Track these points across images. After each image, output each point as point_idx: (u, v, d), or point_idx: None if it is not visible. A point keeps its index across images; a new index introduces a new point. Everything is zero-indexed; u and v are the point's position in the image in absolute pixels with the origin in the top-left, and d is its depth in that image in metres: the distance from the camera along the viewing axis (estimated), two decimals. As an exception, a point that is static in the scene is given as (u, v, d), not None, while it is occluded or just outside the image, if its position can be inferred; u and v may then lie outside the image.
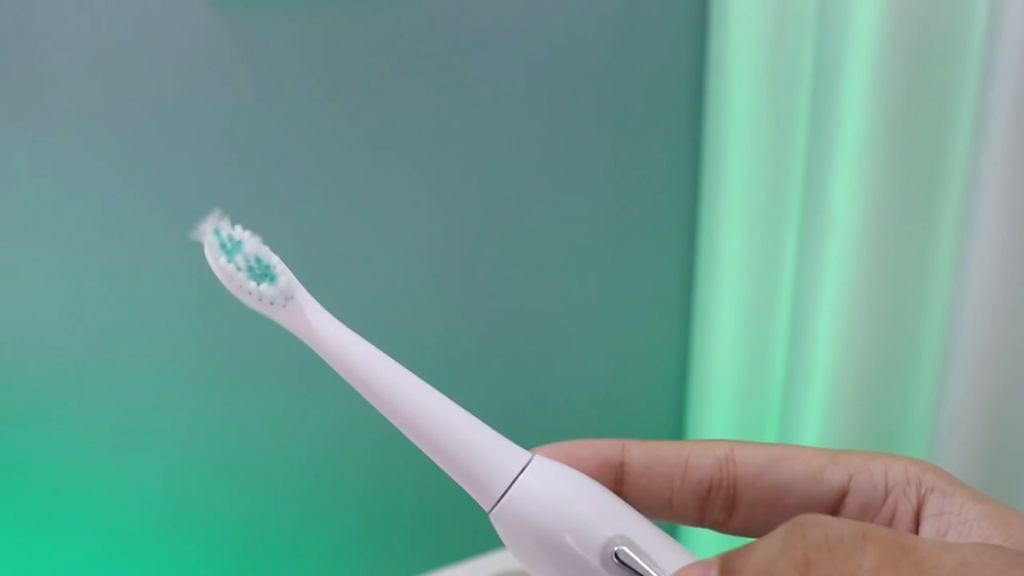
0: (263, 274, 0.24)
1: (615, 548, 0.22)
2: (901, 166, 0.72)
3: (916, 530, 0.24)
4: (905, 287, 0.76)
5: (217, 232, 0.24)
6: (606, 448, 0.25)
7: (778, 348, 0.86)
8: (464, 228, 0.78)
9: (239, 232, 0.24)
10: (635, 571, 0.22)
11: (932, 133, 0.72)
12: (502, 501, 0.22)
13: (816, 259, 0.76)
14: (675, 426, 0.94)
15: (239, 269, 0.23)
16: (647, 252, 0.87)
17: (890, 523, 0.24)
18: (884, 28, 0.67)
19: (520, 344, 0.83)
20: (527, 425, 0.83)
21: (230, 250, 0.24)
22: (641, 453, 0.24)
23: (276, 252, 0.24)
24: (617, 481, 0.24)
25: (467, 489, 0.23)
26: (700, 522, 0.25)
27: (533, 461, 0.23)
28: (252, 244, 0.24)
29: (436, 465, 0.24)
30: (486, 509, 0.23)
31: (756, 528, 0.24)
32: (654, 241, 0.87)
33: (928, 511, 0.23)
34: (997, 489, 0.72)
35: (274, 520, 0.80)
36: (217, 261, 0.23)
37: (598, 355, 0.88)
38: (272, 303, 0.24)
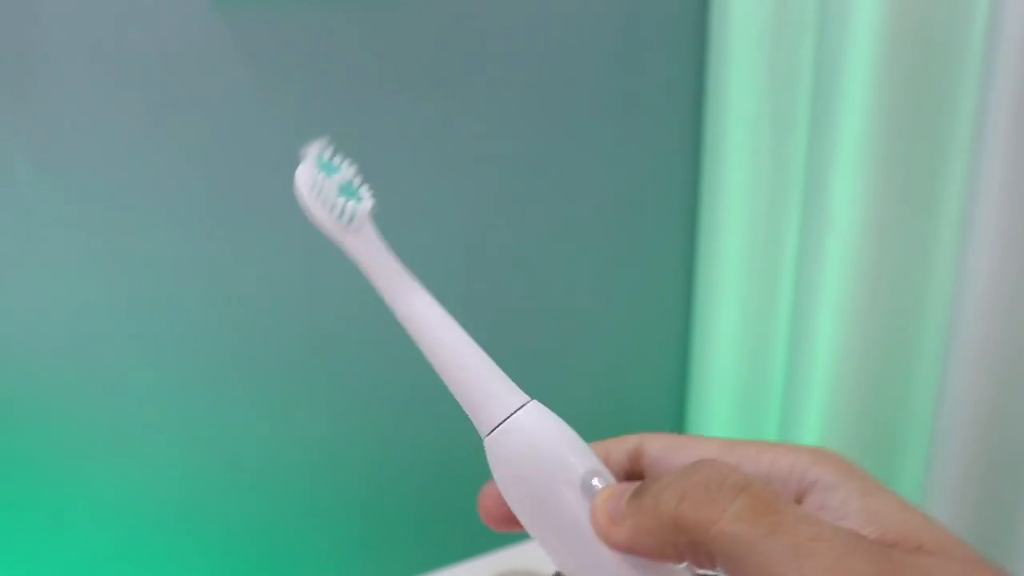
0: (350, 195, 0.26)
1: (591, 478, 0.26)
2: (901, 165, 0.72)
3: None
4: (905, 286, 0.76)
5: (320, 154, 0.26)
6: None
7: (778, 347, 0.86)
8: (463, 227, 0.78)
9: (339, 159, 0.26)
10: None
11: (932, 132, 0.72)
12: (498, 429, 0.26)
13: (816, 258, 0.76)
14: (675, 426, 0.94)
15: (330, 185, 0.26)
16: (647, 251, 0.87)
17: None
18: (884, 28, 0.67)
19: (519, 343, 0.83)
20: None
21: (327, 171, 0.26)
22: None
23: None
24: None
25: (470, 414, 0.26)
26: None
27: (530, 404, 0.27)
28: (348, 172, 0.26)
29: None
30: (483, 434, 0.26)
31: None
32: (654, 240, 0.87)
33: (809, 504, 0.25)
34: (997, 486, 0.72)
35: (275, 519, 0.80)
36: (311, 172, 0.25)
37: (598, 355, 0.88)
38: (344, 224, 0.26)
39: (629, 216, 0.84)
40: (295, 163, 0.28)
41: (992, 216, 0.66)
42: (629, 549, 0.24)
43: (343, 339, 0.76)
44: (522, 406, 0.27)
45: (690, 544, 0.22)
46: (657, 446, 0.27)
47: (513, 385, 0.27)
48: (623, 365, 0.89)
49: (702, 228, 0.85)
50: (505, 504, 0.27)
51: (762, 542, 0.21)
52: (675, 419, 0.95)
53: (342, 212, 0.26)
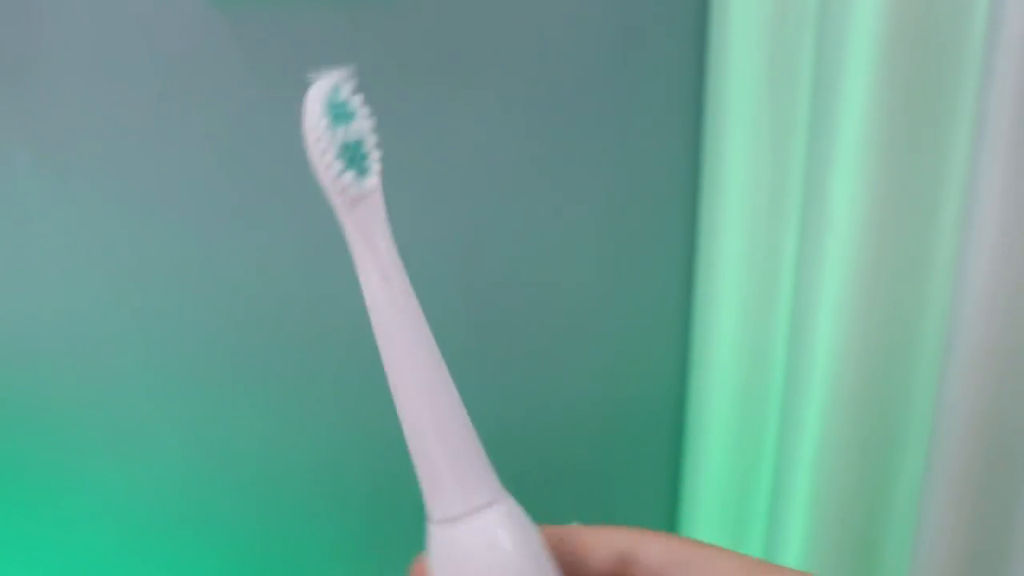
0: (354, 160, 0.20)
1: None
2: (901, 166, 0.72)
3: None
4: (905, 287, 0.76)
5: (335, 89, 0.20)
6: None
7: (778, 348, 0.86)
8: (462, 227, 0.78)
9: (357, 103, 0.20)
10: None
11: (932, 132, 0.72)
12: (453, 522, 0.21)
13: (816, 259, 0.76)
14: (674, 426, 0.94)
15: (333, 140, 0.20)
16: (646, 252, 0.87)
17: None
18: (884, 28, 0.67)
19: (519, 344, 0.83)
20: (526, 424, 0.83)
21: (336, 115, 0.20)
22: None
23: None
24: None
25: (425, 489, 0.21)
26: None
27: (499, 505, 0.21)
28: (363, 124, 0.20)
29: None
30: (431, 518, 0.21)
31: None
32: (654, 241, 0.87)
33: None
34: (996, 487, 0.72)
35: (276, 519, 0.80)
36: (317, 118, 0.19)
37: (597, 356, 0.88)
38: (345, 193, 0.20)
39: (629, 216, 0.84)
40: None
41: (992, 216, 0.66)
42: None
43: (344, 338, 0.76)
44: (489, 505, 0.21)
45: None
46: (655, 554, 0.22)
47: (490, 473, 0.22)
48: (622, 366, 0.89)
49: (702, 228, 0.85)
50: None
51: None
52: (675, 420, 0.95)
53: (338, 179, 0.20)
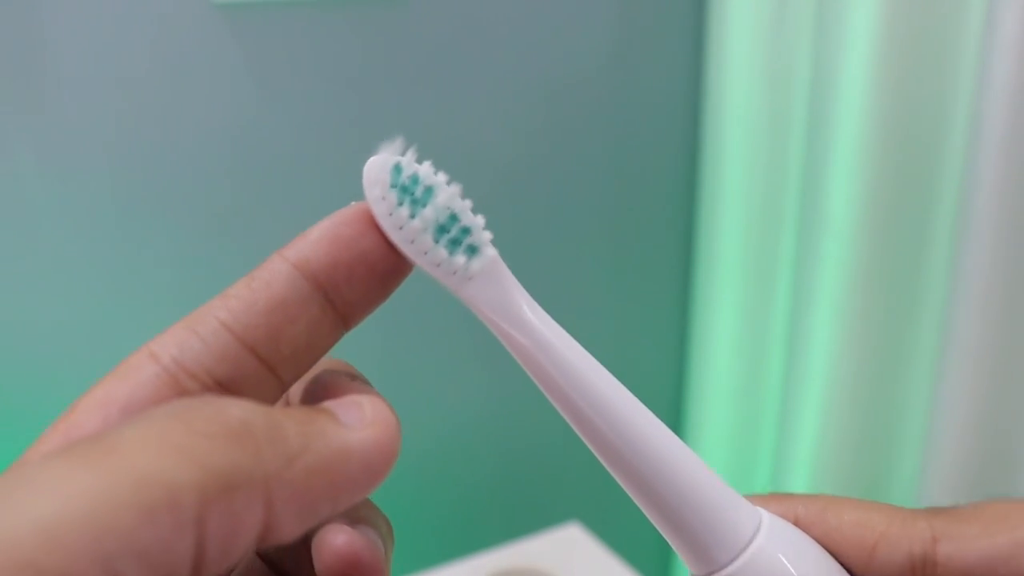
0: (456, 239, 0.17)
1: None
2: (897, 169, 0.73)
3: None
4: (901, 288, 0.77)
5: (397, 169, 0.16)
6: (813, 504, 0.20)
7: (775, 350, 0.86)
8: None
9: (427, 172, 0.16)
10: None
11: (928, 135, 0.72)
12: (727, 570, 0.18)
13: (813, 261, 0.77)
14: (674, 427, 0.95)
15: (424, 229, 0.16)
16: (645, 255, 0.87)
17: None
18: (881, 31, 0.68)
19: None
20: (526, 424, 0.84)
21: (414, 199, 0.16)
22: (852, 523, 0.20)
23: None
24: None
25: (680, 552, 0.18)
26: None
27: (764, 524, 0.18)
28: (446, 194, 0.17)
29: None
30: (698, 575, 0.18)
31: None
32: (652, 244, 0.87)
33: None
34: (991, 487, 0.73)
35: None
36: (391, 215, 0.16)
37: (596, 356, 0.88)
38: (458, 274, 0.17)
39: (627, 219, 0.84)
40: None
41: (987, 218, 0.67)
42: None
43: (344, 338, 0.76)
44: (755, 533, 0.18)
45: None
46: (967, 560, 0.19)
47: (738, 497, 0.18)
48: (621, 367, 0.89)
49: (700, 231, 0.85)
50: None
51: None
52: (674, 420, 0.95)
53: (451, 267, 0.17)
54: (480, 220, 0.18)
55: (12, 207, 0.64)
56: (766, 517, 0.18)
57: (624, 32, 0.78)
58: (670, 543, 0.18)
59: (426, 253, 0.16)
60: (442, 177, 0.17)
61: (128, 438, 0.13)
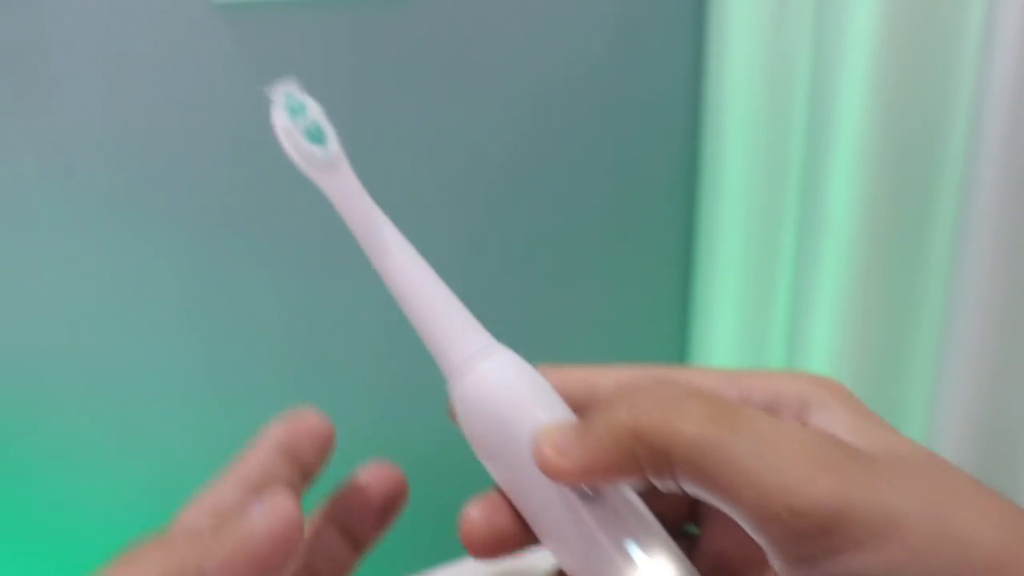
0: (317, 137, 0.26)
1: None
2: (897, 168, 0.73)
3: None
4: (901, 288, 0.77)
5: (288, 95, 0.26)
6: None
7: (776, 350, 0.86)
8: (461, 228, 0.78)
9: (307, 98, 0.26)
10: None
11: (928, 135, 0.72)
12: (462, 374, 0.25)
13: (813, 261, 0.77)
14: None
15: (297, 129, 0.26)
16: (645, 254, 0.87)
17: None
18: (881, 31, 0.68)
19: (517, 345, 0.83)
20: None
21: (295, 111, 0.26)
22: (556, 379, 0.27)
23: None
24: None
25: (437, 358, 0.26)
26: None
27: (500, 351, 0.26)
28: (315, 111, 0.26)
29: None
30: (448, 379, 0.26)
31: None
32: (652, 243, 0.87)
33: (810, 422, 0.24)
34: (992, 485, 0.73)
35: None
36: (280, 118, 0.26)
37: (596, 356, 0.88)
38: (318, 166, 0.26)
39: (627, 219, 0.84)
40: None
41: (987, 217, 0.67)
42: (583, 474, 0.22)
43: (343, 338, 0.76)
44: (490, 353, 0.26)
45: (650, 452, 0.21)
46: (652, 379, 0.26)
47: (482, 330, 0.26)
48: (621, 366, 0.89)
49: (700, 230, 0.85)
50: (492, 528, 0.25)
51: (726, 440, 0.20)
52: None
53: (311, 157, 0.26)
54: (331, 128, 0.26)
55: (11, 207, 0.64)
56: (504, 350, 0.26)
57: (624, 31, 0.78)
58: (432, 351, 0.26)
59: (308, 156, 0.26)
60: (313, 101, 0.26)
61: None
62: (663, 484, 0.22)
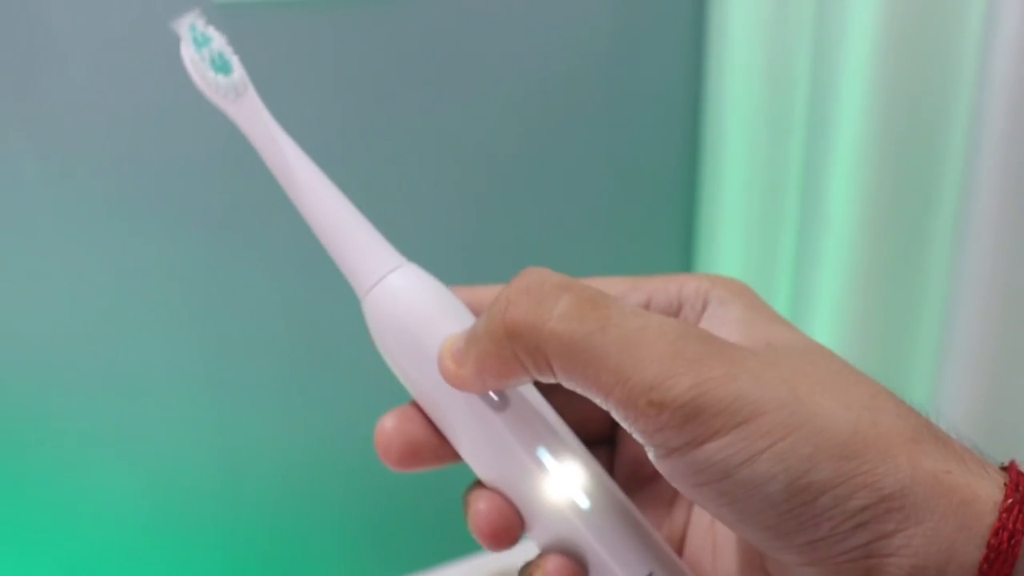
0: (222, 67, 0.27)
1: None
2: (898, 167, 0.73)
3: None
4: (902, 288, 0.77)
5: (192, 27, 0.26)
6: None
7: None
8: (461, 226, 0.78)
9: (211, 30, 0.27)
10: None
11: (928, 134, 0.72)
12: (373, 290, 0.26)
13: (813, 260, 0.76)
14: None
15: (204, 60, 0.26)
16: (645, 254, 0.87)
17: None
18: (881, 30, 0.68)
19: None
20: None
21: (200, 43, 0.26)
22: (466, 297, 0.27)
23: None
24: None
25: (348, 277, 0.26)
26: None
27: (406, 265, 0.26)
28: (219, 42, 0.27)
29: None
30: (360, 296, 0.26)
31: None
32: (652, 242, 0.87)
33: (705, 315, 0.26)
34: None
35: (275, 517, 0.80)
36: (187, 50, 0.26)
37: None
38: (225, 95, 0.27)
39: (627, 218, 0.84)
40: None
41: (988, 217, 0.67)
42: (479, 380, 0.23)
43: (344, 338, 0.76)
44: (397, 267, 0.26)
45: (527, 350, 0.22)
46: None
47: (391, 249, 0.27)
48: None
49: (700, 229, 0.85)
50: (404, 438, 0.26)
51: (592, 337, 0.21)
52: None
53: (218, 86, 0.27)
54: (236, 58, 0.27)
55: (10, 207, 0.64)
56: (411, 265, 0.26)
57: (624, 30, 0.78)
58: (343, 270, 0.26)
59: (214, 86, 0.26)
60: (217, 32, 0.27)
61: None
62: (546, 379, 0.23)
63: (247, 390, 0.75)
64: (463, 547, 0.76)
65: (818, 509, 0.20)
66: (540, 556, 0.25)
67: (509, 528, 0.26)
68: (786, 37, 0.76)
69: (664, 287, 0.26)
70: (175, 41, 0.26)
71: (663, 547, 0.25)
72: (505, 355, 0.23)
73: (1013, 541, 0.19)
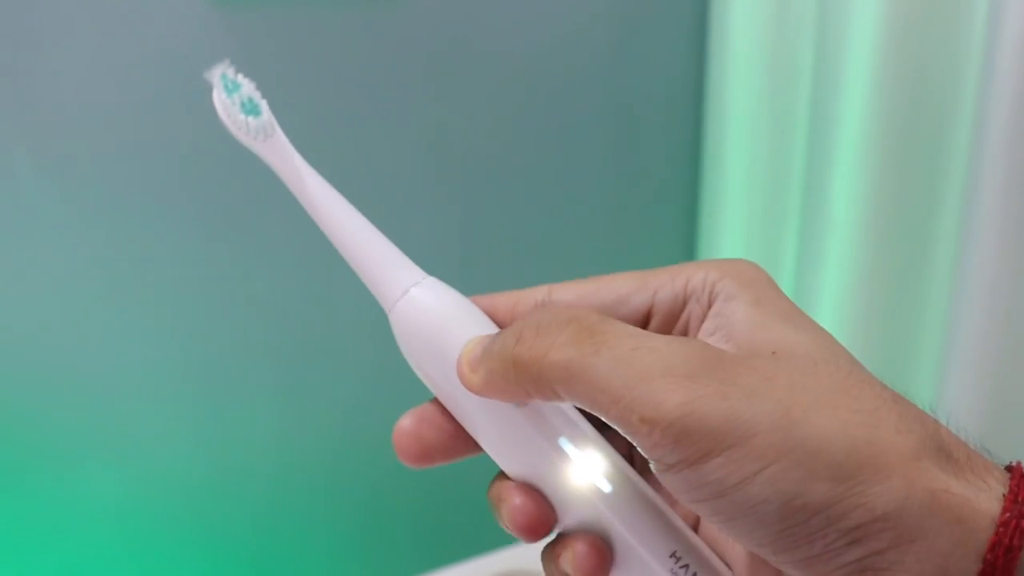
0: (252, 110, 0.29)
1: None
2: (900, 167, 0.72)
3: (699, 329, 0.26)
4: (904, 288, 0.76)
5: (224, 76, 0.28)
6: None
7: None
8: (462, 226, 0.78)
9: (240, 77, 0.29)
10: None
11: (931, 133, 0.72)
12: (399, 304, 0.28)
13: (816, 260, 0.76)
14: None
15: (235, 104, 0.28)
16: (647, 254, 0.87)
17: (685, 328, 0.27)
18: (884, 29, 0.68)
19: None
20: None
21: (231, 89, 0.28)
22: (485, 304, 0.29)
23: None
24: None
25: (376, 294, 0.28)
26: None
27: (428, 279, 0.28)
28: (248, 87, 0.29)
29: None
30: (387, 310, 0.28)
31: None
32: (653, 242, 0.87)
33: (711, 312, 0.26)
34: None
35: (276, 519, 0.80)
36: (219, 96, 0.28)
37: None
38: (255, 136, 0.29)
39: (629, 217, 0.84)
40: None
41: (991, 216, 0.66)
42: (487, 390, 0.25)
43: (345, 339, 0.76)
44: (419, 281, 0.28)
45: (530, 380, 0.23)
46: (570, 295, 0.28)
47: (412, 264, 0.29)
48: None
49: (702, 229, 0.85)
50: (420, 439, 0.28)
51: (586, 360, 0.22)
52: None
53: (248, 128, 0.29)
54: (264, 102, 0.29)
55: (6, 204, 0.64)
56: (432, 279, 0.28)
57: (626, 27, 0.78)
58: (369, 286, 0.28)
59: (244, 128, 0.28)
60: (246, 79, 0.29)
61: None
62: (556, 402, 0.24)
63: (239, 390, 0.75)
64: (466, 550, 0.76)
65: (812, 528, 0.20)
66: (567, 537, 0.26)
67: (545, 520, 0.26)
68: (789, 34, 0.75)
69: (670, 281, 0.27)
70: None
71: (683, 528, 0.26)
72: (510, 380, 0.24)
73: (1010, 556, 0.19)
